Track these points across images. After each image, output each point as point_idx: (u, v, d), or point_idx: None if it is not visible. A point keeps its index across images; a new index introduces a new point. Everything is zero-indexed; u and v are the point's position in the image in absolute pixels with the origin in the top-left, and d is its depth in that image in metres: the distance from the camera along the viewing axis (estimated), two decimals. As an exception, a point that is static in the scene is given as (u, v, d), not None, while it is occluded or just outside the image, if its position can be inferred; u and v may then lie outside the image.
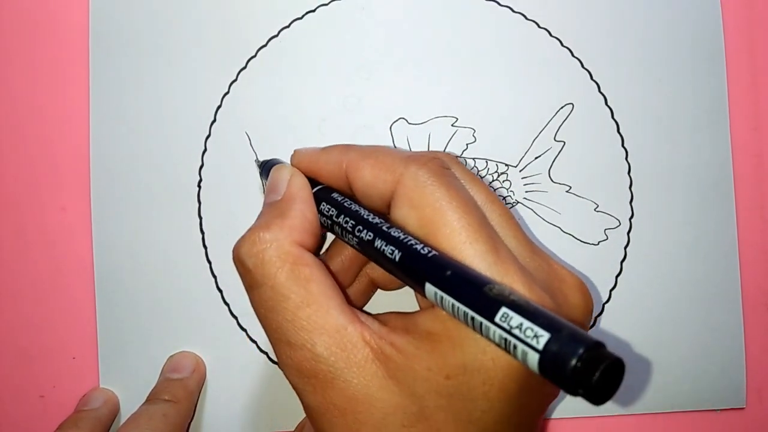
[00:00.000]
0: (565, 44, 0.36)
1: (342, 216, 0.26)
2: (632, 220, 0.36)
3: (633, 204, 0.36)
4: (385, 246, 0.24)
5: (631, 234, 0.36)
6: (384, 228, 0.24)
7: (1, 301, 0.35)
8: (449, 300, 0.21)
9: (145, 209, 0.35)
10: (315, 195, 0.27)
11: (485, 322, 0.20)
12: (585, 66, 0.36)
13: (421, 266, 0.22)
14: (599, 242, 0.36)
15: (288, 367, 0.24)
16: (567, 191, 0.36)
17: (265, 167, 0.31)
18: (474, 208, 0.24)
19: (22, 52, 0.35)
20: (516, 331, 0.19)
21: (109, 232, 0.35)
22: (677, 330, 0.36)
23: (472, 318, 0.21)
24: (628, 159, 0.36)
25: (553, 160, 0.36)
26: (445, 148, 0.36)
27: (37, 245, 0.35)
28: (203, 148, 0.35)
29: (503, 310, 0.20)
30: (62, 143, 0.35)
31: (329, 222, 0.27)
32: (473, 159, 0.36)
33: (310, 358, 0.23)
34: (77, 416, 0.33)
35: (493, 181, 0.36)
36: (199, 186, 0.35)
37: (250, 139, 0.35)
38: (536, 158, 0.36)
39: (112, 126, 0.35)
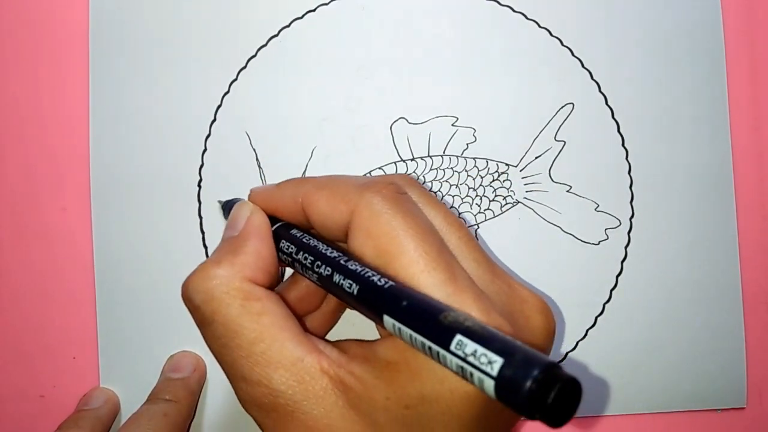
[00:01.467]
0: (565, 44, 0.36)
1: (301, 252, 0.26)
2: (633, 220, 0.36)
3: (633, 204, 0.36)
4: (343, 280, 0.23)
5: (631, 233, 0.36)
6: (342, 262, 0.24)
7: (2, 301, 0.35)
8: (407, 330, 0.21)
9: (146, 209, 0.35)
10: (275, 233, 0.27)
11: (441, 350, 0.20)
12: (585, 66, 0.36)
13: (379, 298, 0.22)
14: (600, 242, 0.36)
15: (247, 402, 0.24)
16: (567, 191, 0.36)
17: (227, 206, 0.31)
18: (431, 233, 0.24)
19: (22, 52, 0.35)
20: (471, 359, 0.19)
21: (109, 232, 0.35)
22: (678, 329, 0.36)
23: (429, 347, 0.20)
24: (629, 159, 0.36)
25: (554, 160, 0.36)
26: (446, 148, 0.36)
27: (37, 245, 0.35)
28: (203, 147, 0.35)
29: (458, 337, 0.19)
30: (62, 143, 0.35)
31: (289, 259, 0.26)
32: (474, 159, 0.36)
33: (267, 393, 0.23)
34: (78, 415, 0.33)
35: (493, 180, 0.36)
36: (200, 186, 0.35)
37: (250, 139, 0.35)
38: (537, 158, 0.36)
39: (112, 126, 0.35)
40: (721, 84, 0.37)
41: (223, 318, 0.24)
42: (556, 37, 0.36)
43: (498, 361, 0.18)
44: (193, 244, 0.35)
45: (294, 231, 0.27)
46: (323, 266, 0.25)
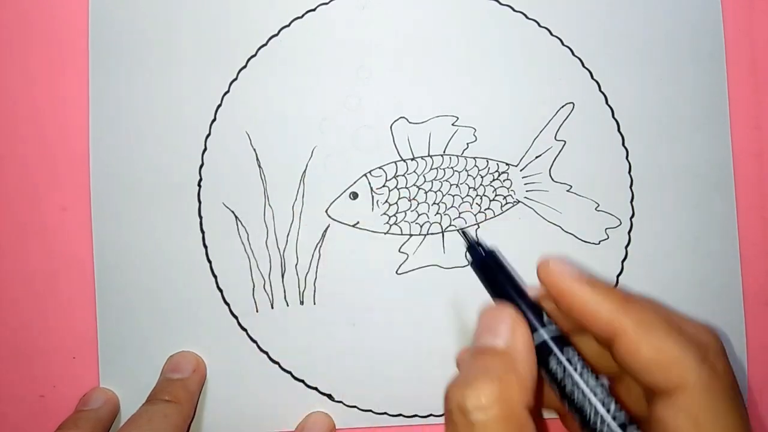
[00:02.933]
0: (565, 43, 0.36)
1: (578, 393, 0.24)
2: (633, 219, 0.36)
3: (634, 203, 0.36)
4: None
5: (632, 233, 0.36)
6: None
7: (2, 300, 0.35)
8: None
9: (146, 209, 0.35)
10: (539, 348, 0.25)
11: None
12: (585, 65, 0.36)
13: None
14: (600, 241, 0.36)
15: None
16: (568, 190, 0.36)
17: (475, 259, 0.28)
18: None
19: (22, 53, 0.35)
20: None
21: (109, 232, 0.35)
22: (678, 329, 0.36)
23: None
24: (629, 158, 0.36)
25: (554, 160, 0.36)
26: (446, 147, 0.35)
27: (37, 245, 0.35)
28: (203, 147, 0.35)
29: None
30: (62, 143, 0.35)
31: (555, 386, 0.25)
32: (474, 158, 0.36)
33: None
34: (77, 416, 0.32)
35: (494, 180, 0.36)
36: (200, 185, 0.35)
37: (250, 139, 0.35)
38: (537, 157, 0.36)
39: (112, 126, 0.35)
40: (722, 83, 0.37)
41: None
42: (556, 37, 0.36)
43: None
44: (193, 243, 0.35)
45: (573, 359, 0.24)
46: (602, 425, 0.23)
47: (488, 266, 0.28)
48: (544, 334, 0.25)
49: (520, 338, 0.25)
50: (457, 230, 0.31)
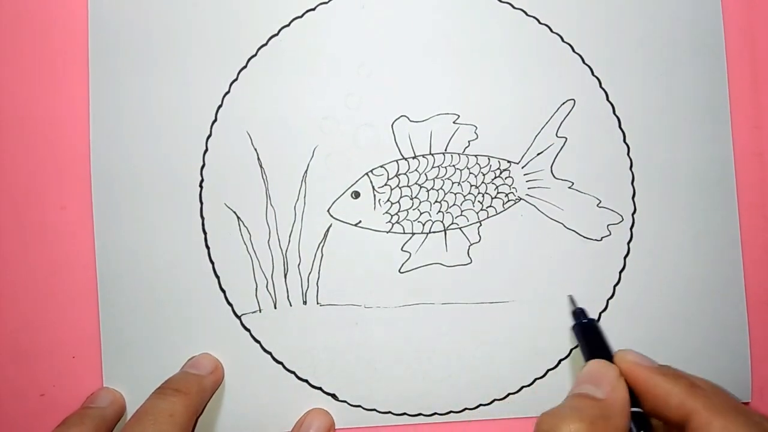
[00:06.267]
0: (566, 40, 0.36)
1: None
2: (635, 216, 0.36)
3: (635, 200, 0.36)
4: None
5: (633, 229, 0.36)
6: None
7: (2, 299, 0.35)
8: None
9: (147, 210, 0.35)
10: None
11: None
12: (586, 62, 0.36)
13: None
14: (602, 238, 0.36)
15: None
16: (569, 187, 0.36)
17: (583, 328, 0.31)
18: None
19: (23, 52, 0.35)
20: None
21: (110, 232, 0.34)
22: (681, 325, 0.36)
23: None
24: (630, 155, 0.36)
25: (555, 157, 0.36)
26: (447, 145, 0.35)
27: (37, 244, 0.35)
28: (204, 147, 0.35)
29: None
30: (62, 143, 0.35)
31: None
32: (475, 156, 0.36)
33: None
34: (83, 412, 0.32)
35: (495, 178, 0.36)
36: (201, 186, 0.35)
37: (251, 139, 0.35)
38: (538, 154, 0.36)
39: (113, 126, 0.35)
40: (722, 81, 0.37)
41: None
42: (557, 34, 0.36)
43: None
44: (196, 244, 0.35)
45: None
46: None
47: (590, 332, 0.31)
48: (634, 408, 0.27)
49: (619, 396, 0.26)
50: (568, 297, 0.34)
